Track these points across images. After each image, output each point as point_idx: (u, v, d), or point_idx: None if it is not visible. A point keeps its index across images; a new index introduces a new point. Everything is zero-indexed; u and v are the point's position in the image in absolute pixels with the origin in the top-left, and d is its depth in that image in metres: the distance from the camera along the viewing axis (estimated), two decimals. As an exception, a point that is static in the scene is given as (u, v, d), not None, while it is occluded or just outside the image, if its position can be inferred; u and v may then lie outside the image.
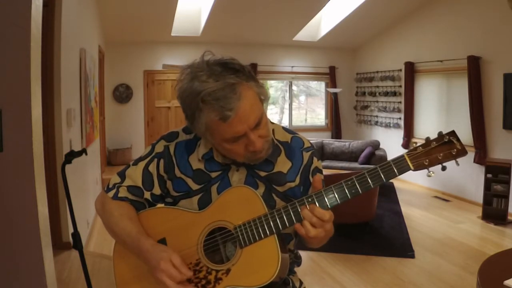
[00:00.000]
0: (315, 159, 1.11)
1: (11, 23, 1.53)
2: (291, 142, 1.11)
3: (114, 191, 1.09)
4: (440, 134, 0.93)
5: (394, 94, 6.90)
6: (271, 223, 0.96)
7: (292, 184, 1.07)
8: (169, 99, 7.15)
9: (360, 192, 0.94)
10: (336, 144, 6.64)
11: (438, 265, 3.42)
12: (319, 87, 8.46)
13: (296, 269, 1.20)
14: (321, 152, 6.60)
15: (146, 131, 7.08)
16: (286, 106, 8.19)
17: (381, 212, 4.77)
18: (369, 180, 0.93)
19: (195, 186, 1.06)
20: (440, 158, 0.92)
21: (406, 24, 6.55)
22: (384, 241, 4.00)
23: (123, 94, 6.88)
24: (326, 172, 4.61)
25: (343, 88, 7.85)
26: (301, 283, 1.18)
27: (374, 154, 6.09)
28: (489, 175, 4.62)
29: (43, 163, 1.71)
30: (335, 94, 7.79)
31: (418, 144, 0.95)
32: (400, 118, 6.82)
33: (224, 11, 5.75)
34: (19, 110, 1.57)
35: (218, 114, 0.90)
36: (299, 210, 0.95)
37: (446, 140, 0.92)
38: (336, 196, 0.94)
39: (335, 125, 7.86)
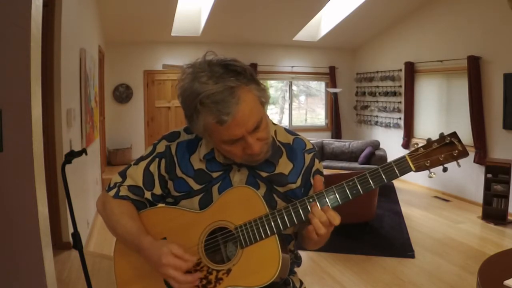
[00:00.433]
0: (316, 161, 1.11)
1: (11, 23, 1.53)
2: (293, 144, 1.11)
3: (115, 190, 1.09)
4: (441, 135, 0.93)
5: (394, 94, 6.90)
6: (272, 223, 0.96)
7: (293, 186, 1.07)
8: (169, 99, 7.14)
9: (361, 192, 0.94)
10: (336, 144, 6.64)
11: (438, 265, 3.42)
12: (319, 87, 8.46)
13: (296, 269, 1.20)
14: (321, 152, 6.59)
15: (146, 131, 7.08)
16: (286, 106, 8.19)
17: (381, 212, 4.77)
18: (370, 181, 0.93)
19: (196, 186, 1.06)
20: (441, 159, 0.93)
21: (406, 24, 6.55)
22: (384, 241, 4.00)
23: (123, 94, 6.88)
24: (326, 172, 4.61)
25: (343, 88, 7.85)
26: (301, 283, 1.18)
27: (374, 154, 6.09)
28: (489, 175, 4.62)
29: (43, 163, 1.71)
30: (335, 94, 7.79)
31: (420, 145, 0.95)
32: (400, 118, 6.82)
33: (224, 11, 5.75)
34: (19, 110, 1.57)
35: (215, 117, 0.89)
36: (300, 210, 0.96)
37: (447, 141, 0.92)
38: (337, 196, 0.95)
39: (335, 125, 7.86)
